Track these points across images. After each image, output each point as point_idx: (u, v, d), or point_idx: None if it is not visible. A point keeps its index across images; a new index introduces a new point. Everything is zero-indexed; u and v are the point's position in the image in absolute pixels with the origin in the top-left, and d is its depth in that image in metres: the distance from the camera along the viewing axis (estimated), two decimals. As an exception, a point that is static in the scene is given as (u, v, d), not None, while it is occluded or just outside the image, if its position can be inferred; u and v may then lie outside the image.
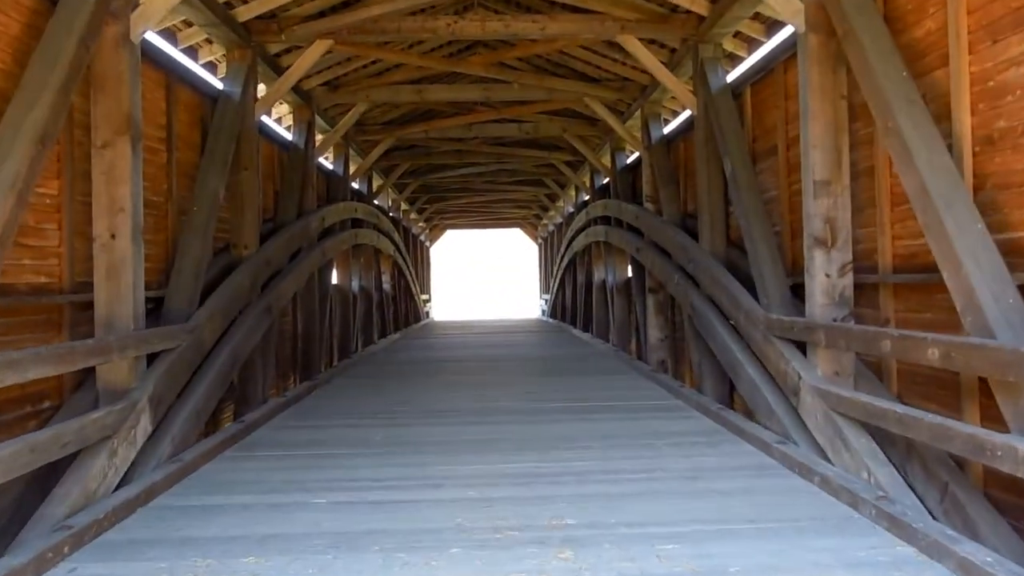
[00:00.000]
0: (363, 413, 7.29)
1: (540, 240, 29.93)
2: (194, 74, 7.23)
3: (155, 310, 5.99)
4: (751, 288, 6.63)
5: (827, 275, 5.17)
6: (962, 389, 4.30)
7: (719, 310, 7.18)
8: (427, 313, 26.28)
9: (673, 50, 8.71)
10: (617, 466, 5.07)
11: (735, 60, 8.26)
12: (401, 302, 19.60)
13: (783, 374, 5.53)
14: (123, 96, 4.95)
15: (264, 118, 10.39)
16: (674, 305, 10.75)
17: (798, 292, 6.17)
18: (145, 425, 4.81)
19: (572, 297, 18.87)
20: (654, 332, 10.41)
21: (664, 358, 10.40)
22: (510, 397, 8.07)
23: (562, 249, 19.38)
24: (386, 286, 17.29)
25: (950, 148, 4.26)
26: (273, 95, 7.83)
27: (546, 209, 24.80)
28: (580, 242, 16.23)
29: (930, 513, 4.15)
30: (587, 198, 17.13)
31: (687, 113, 10.51)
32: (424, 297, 25.91)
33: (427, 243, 28.83)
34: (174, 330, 5.41)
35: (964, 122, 4.26)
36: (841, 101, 5.16)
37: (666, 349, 10.45)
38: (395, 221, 18.98)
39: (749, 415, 6.59)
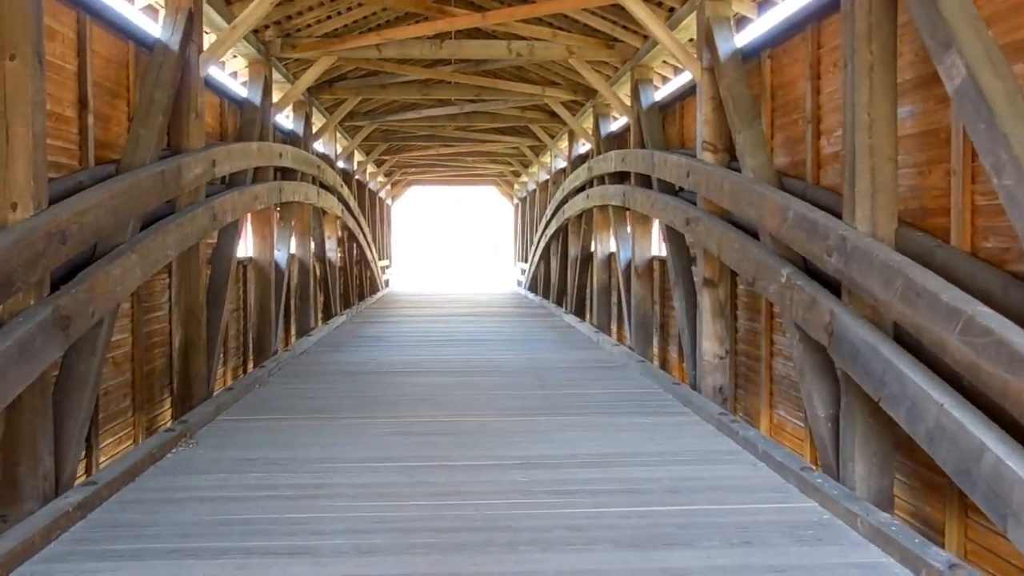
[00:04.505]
0: (227, 538, 3.75)
1: (517, 200, 26.28)
2: None
3: None
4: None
5: None
6: None
7: (922, 351, 3.80)
8: (386, 282, 22.66)
9: None
10: None
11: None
12: (352, 273, 16.00)
13: None
14: None
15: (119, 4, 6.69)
16: (735, 306, 7.37)
17: None
18: None
19: (560, 272, 15.41)
20: (710, 345, 6.98)
21: (722, 384, 7.02)
22: (501, 483, 4.59)
23: (548, 213, 15.86)
24: (331, 254, 13.68)
25: None
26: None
27: (527, 165, 21.17)
28: (577, 205, 12.73)
29: None
30: (585, 150, 13.63)
31: (774, 16, 7.02)
32: (383, 263, 22.28)
33: (388, 200, 25.11)
34: None
35: None
36: None
37: (724, 370, 7.06)
38: (347, 174, 15.32)
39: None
